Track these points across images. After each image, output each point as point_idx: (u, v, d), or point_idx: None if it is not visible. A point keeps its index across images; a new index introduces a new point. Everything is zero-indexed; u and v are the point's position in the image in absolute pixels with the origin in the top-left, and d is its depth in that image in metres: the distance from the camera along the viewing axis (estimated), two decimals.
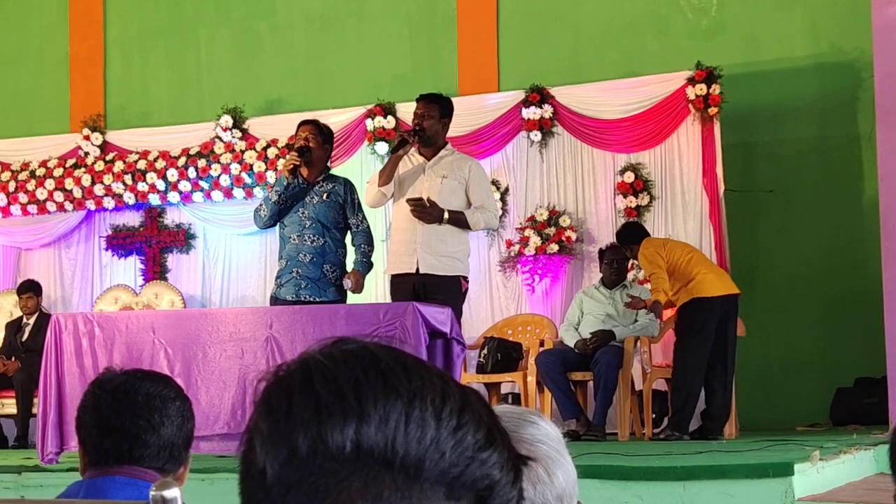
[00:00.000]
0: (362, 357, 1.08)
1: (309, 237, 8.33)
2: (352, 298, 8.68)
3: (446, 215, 8.24)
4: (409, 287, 8.26)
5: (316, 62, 12.95)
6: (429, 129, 8.41)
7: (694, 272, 9.45)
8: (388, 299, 8.67)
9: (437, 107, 8.49)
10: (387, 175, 8.40)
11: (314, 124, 8.54)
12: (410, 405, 1.05)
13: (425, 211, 8.21)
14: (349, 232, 8.51)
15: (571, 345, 10.03)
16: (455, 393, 1.09)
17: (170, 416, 2.85)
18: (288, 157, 8.58)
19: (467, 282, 8.59)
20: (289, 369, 1.09)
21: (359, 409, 1.04)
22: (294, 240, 8.36)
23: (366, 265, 8.44)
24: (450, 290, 8.26)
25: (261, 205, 8.58)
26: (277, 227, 8.57)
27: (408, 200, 8.24)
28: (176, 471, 2.88)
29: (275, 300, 8.45)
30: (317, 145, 8.41)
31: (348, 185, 8.60)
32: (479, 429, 1.08)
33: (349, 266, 8.49)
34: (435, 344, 7.50)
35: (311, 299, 8.26)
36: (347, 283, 8.35)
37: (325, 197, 8.38)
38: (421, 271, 8.27)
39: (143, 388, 2.87)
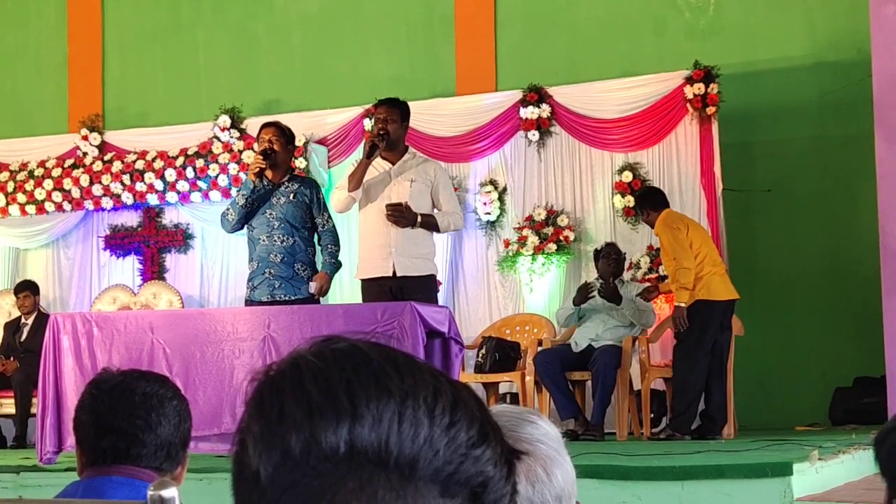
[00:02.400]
0: (353, 356, 1.08)
1: (278, 237, 8.40)
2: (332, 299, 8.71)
3: (419, 219, 8.31)
4: (385, 290, 8.31)
5: (313, 62, 12.95)
6: (393, 133, 8.48)
7: (704, 272, 9.43)
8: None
9: (398, 111, 8.58)
10: (357, 180, 8.44)
11: (276, 126, 8.62)
12: (403, 404, 1.05)
13: (402, 216, 8.27)
14: (316, 232, 8.58)
15: (572, 307, 10.08)
16: (447, 389, 1.08)
17: (167, 416, 2.85)
18: (253, 160, 8.63)
19: (437, 280, 8.70)
20: (279, 369, 1.09)
21: (351, 410, 1.03)
22: (263, 241, 8.43)
23: (333, 266, 8.53)
24: (426, 289, 8.36)
25: (228, 209, 8.63)
26: (245, 230, 8.62)
27: (387, 206, 8.30)
28: (173, 470, 2.87)
29: (249, 304, 8.49)
30: (280, 147, 8.48)
31: (314, 185, 8.71)
32: (472, 425, 1.07)
33: (319, 265, 8.57)
34: (433, 343, 7.51)
35: (287, 298, 8.32)
36: (313, 286, 8.40)
37: (291, 197, 8.44)
38: (398, 274, 8.32)
39: (139, 388, 2.87)
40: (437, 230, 8.55)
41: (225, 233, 12.35)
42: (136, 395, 2.85)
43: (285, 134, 8.57)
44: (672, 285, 9.62)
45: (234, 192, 12.19)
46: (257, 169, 8.40)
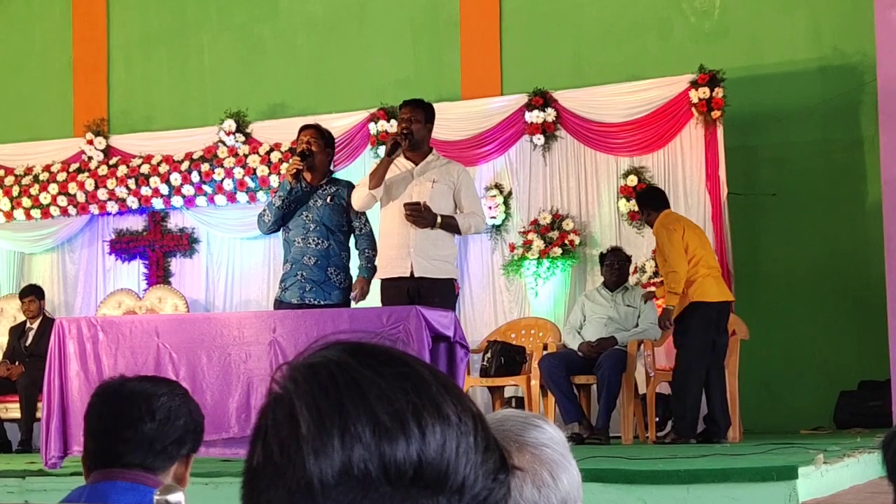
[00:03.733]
0: (409, 375, 1.10)
1: (313, 240, 8.37)
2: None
3: (439, 220, 8.28)
4: (403, 291, 8.28)
5: (319, 66, 12.96)
6: (417, 133, 8.47)
7: (698, 274, 9.43)
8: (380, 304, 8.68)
9: (422, 112, 8.55)
10: (378, 178, 8.41)
11: (315, 129, 8.60)
12: (459, 430, 1.08)
13: (421, 216, 8.24)
14: (352, 235, 8.56)
15: (575, 348, 10.04)
16: (477, 413, 1.12)
17: (151, 412, 2.84)
18: (291, 161, 8.62)
19: (457, 284, 8.64)
20: (325, 376, 1.09)
21: (420, 437, 1.06)
22: (298, 243, 8.40)
23: (371, 271, 8.49)
24: (444, 294, 8.30)
25: (264, 210, 8.61)
26: (281, 232, 8.60)
27: (405, 205, 8.26)
28: (165, 468, 2.86)
29: (279, 304, 8.48)
30: (318, 149, 8.47)
31: (351, 188, 8.65)
32: (496, 450, 1.11)
33: (353, 269, 8.54)
34: (438, 347, 7.50)
35: (316, 302, 8.30)
36: (353, 292, 8.42)
37: (328, 200, 8.43)
38: (416, 275, 8.29)
39: (127, 388, 2.87)
40: (458, 232, 8.50)
41: (230, 237, 12.44)
42: (122, 396, 2.86)
43: (324, 136, 8.57)
44: (664, 287, 9.63)
45: (239, 196, 12.22)
46: (294, 170, 8.38)
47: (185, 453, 2.91)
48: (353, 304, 8.57)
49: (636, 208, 11.15)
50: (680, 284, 9.34)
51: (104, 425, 2.85)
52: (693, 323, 9.39)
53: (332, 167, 8.84)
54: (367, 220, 8.57)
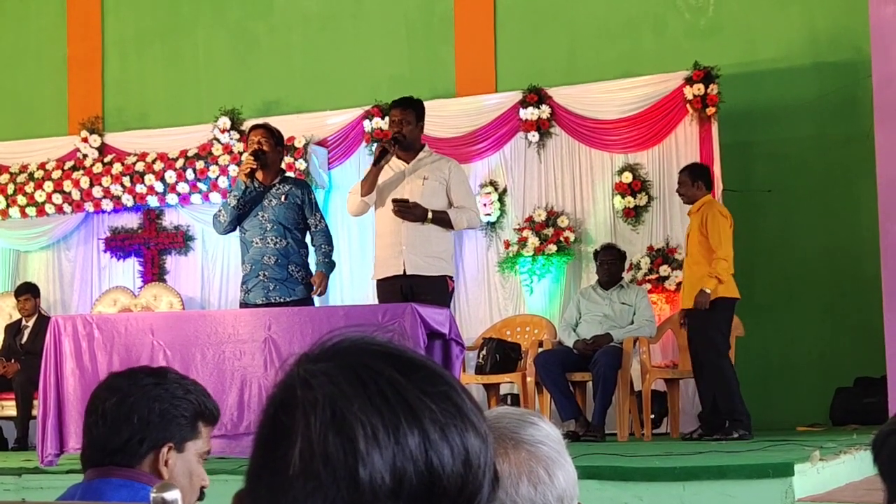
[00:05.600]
0: (453, 398, 1.16)
1: (271, 239, 8.43)
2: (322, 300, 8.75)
3: (430, 214, 8.29)
4: (397, 290, 8.31)
5: (313, 63, 12.94)
6: (409, 134, 8.48)
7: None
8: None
9: (412, 112, 8.56)
10: (369, 185, 8.45)
11: (265, 128, 8.68)
12: (488, 445, 1.17)
13: (409, 211, 8.26)
14: (308, 232, 8.60)
15: (570, 345, 10.04)
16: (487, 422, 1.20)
17: (104, 415, 2.84)
18: (244, 161, 8.66)
19: (453, 281, 8.64)
20: (379, 396, 1.13)
21: (464, 454, 1.13)
22: (257, 243, 8.46)
23: (328, 265, 8.57)
24: (437, 291, 8.31)
25: (219, 210, 8.66)
26: (238, 233, 8.64)
27: (393, 201, 8.29)
28: (134, 463, 2.84)
29: (244, 307, 8.49)
30: (270, 148, 8.53)
31: (305, 186, 8.77)
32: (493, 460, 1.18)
33: (312, 266, 8.61)
34: (434, 345, 7.50)
35: (282, 300, 8.36)
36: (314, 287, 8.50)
37: (282, 199, 8.48)
38: (408, 272, 8.32)
39: (96, 390, 2.91)
40: (451, 227, 8.50)
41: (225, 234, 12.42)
42: (91, 397, 2.91)
43: (274, 135, 8.61)
44: (693, 265, 9.57)
45: None
46: (248, 169, 8.44)
47: (150, 447, 2.85)
48: (319, 301, 8.65)
49: (631, 205, 11.16)
50: (726, 273, 9.35)
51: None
52: (724, 320, 9.41)
53: (290, 166, 8.89)
54: (322, 217, 8.66)
